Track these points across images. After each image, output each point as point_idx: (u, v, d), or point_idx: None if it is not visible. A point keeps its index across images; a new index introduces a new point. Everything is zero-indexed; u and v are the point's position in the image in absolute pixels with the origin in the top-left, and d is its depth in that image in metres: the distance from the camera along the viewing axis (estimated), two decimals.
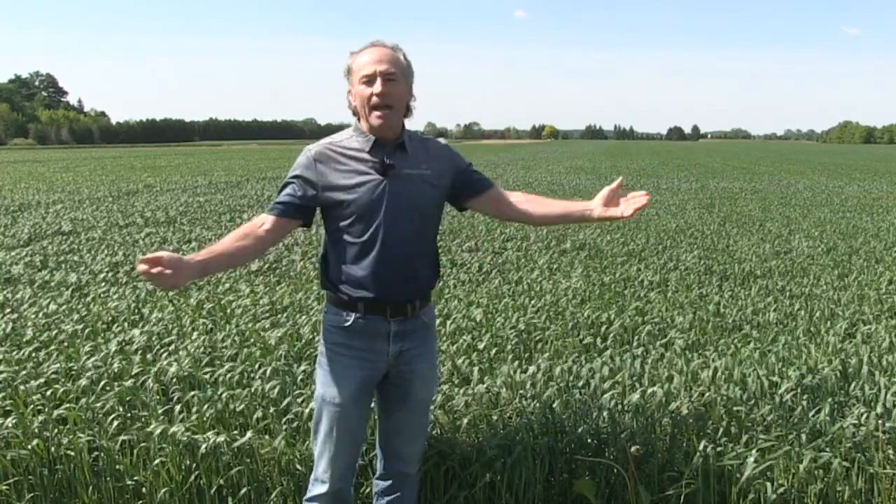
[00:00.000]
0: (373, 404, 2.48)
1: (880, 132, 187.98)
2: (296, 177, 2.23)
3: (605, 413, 2.96)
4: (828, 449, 2.72)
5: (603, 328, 4.39)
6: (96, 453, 2.88)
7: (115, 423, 2.95)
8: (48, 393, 3.22)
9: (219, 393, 3.12)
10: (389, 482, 2.51)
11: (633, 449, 2.64)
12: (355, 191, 2.19)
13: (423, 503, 2.78)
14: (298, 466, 2.77)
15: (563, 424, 2.92)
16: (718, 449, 2.74)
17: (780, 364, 3.61)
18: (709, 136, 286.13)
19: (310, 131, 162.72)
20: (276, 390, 3.16)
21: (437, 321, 4.28)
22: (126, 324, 4.39)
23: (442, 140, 2.42)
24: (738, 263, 6.86)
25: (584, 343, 4.12)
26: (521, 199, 2.38)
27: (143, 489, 2.82)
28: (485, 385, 3.21)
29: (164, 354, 3.71)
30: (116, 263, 6.70)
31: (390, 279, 2.23)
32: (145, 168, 26.50)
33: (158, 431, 2.84)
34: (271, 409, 3.03)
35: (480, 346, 3.85)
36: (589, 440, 2.87)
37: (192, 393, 3.16)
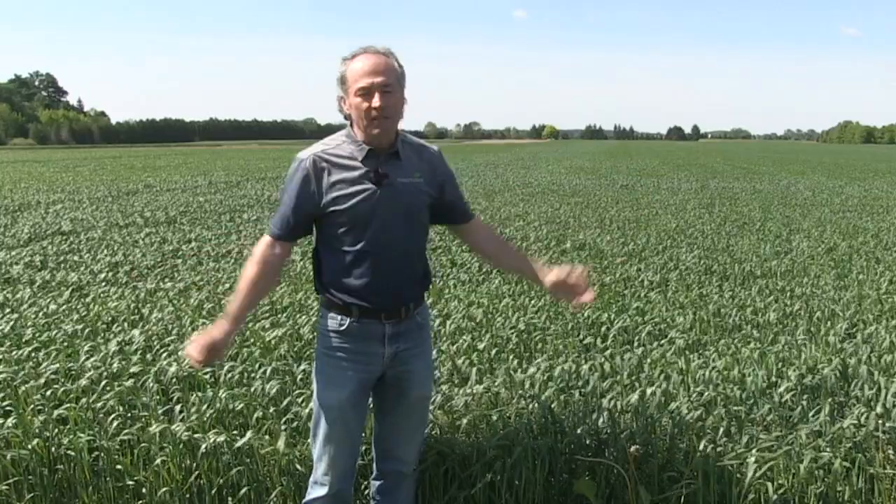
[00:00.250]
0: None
1: (880, 132, 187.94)
2: (295, 195, 2.22)
3: (605, 413, 2.96)
4: (828, 449, 2.72)
5: (603, 328, 4.39)
6: (96, 453, 2.88)
7: (115, 423, 2.94)
8: (48, 393, 3.22)
9: (219, 394, 3.12)
10: (386, 482, 2.51)
11: (632, 449, 2.64)
12: (349, 201, 2.18)
13: (422, 503, 2.78)
14: (298, 466, 2.77)
15: (563, 424, 2.92)
16: (718, 449, 2.74)
17: (780, 364, 3.61)
18: (709, 136, 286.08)
19: (310, 131, 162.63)
20: (276, 390, 3.16)
21: (438, 321, 4.29)
22: (126, 324, 4.39)
23: (435, 147, 2.40)
24: (738, 263, 6.85)
25: (584, 343, 4.12)
26: (488, 239, 2.48)
27: (143, 489, 2.82)
28: (483, 385, 3.20)
29: (164, 354, 3.71)
30: (116, 263, 6.70)
31: (384, 286, 2.24)
32: (145, 168, 26.50)
33: (158, 431, 2.84)
34: (271, 409, 3.03)
35: (480, 346, 3.85)
36: (589, 440, 2.87)
37: (193, 393, 3.16)
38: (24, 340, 4.00)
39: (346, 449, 2.36)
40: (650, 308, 4.94)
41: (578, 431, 2.87)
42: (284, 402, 3.07)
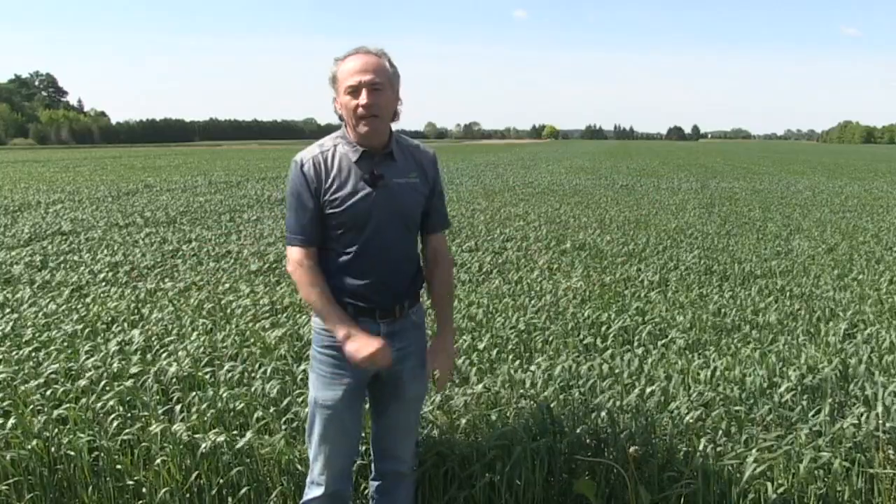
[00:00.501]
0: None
1: (880, 132, 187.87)
2: (309, 198, 2.21)
3: (604, 413, 2.96)
4: (828, 449, 2.72)
5: (603, 328, 4.39)
6: (96, 453, 2.88)
7: (115, 423, 2.95)
8: (48, 393, 3.22)
9: (220, 393, 3.12)
10: (385, 483, 2.51)
11: (632, 450, 2.64)
12: (345, 203, 2.19)
13: (422, 503, 2.78)
14: (298, 466, 2.77)
15: (563, 424, 2.92)
16: (718, 449, 2.74)
17: (780, 364, 3.61)
18: (709, 136, 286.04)
19: (310, 131, 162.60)
20: (276, 390, 3.16)
21: None
22: (126, 324, 4.39)
23: (430, 150, 2.40)
24: (738, 263, 6.86)
25: (584, 343, 4.12)
26: (434, 261, 2.41)
27: (143, 489, 2.82)
28: (483, 384, 3.21)
29: (164, 354, 3.71)
30: (116, 263, 6.70)
31: (379, 286, 2.24)
32: (145, 168, 26.51)
33: (159, 431, 2.84)
34: (271, 409, 3.03)
35: (480, 346, 3.85)
36: (588, 440, 2.87)
37: (193, 393, 3.16)
38: (24, 340, 4.00)
39: (342, 449, 2.37)
40: (650, 308, 4.94)
41: (578, 431, 2.87)
42: (284, 402, 3.07)
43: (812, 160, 38.15)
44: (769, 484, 2.57)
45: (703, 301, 5.26)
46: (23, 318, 4.52)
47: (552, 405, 3.01)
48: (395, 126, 2.29)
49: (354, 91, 2.15)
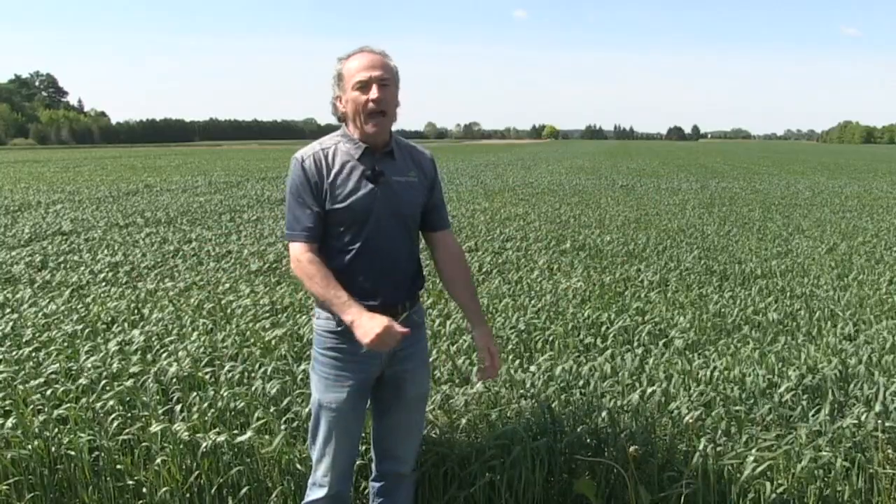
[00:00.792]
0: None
1: (880, 132, 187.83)
2: (309, 194, 2.21)
3: (604, 413, 2.96)
4: (828, 448, 2.72)
5: (603, 328, 4.39)
6: (96, 453, 2.88)
7: (116, 423, 2.95)
8: (48, 393, 3.22)
9: (220, 392, 3.12)
10: (385, 484, 2.51)
11: (631, 450, 2.64)
12: (347, 199, 2.20)
13: (422, 503, 2.78)
14: (298, 466, 2.77)
15: (563, 424, 2.92)
16: (718, 449, 2.74)
17: (780, 364, 3.61)
18: (709, 136, 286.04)
19: (310, 131, 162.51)
20: (277, 390, 3.16)
21: (437, 321, 4.29)
22: (126, 324, 4.39)
23: (427, 151, 2.42)
24: (739, 263, 6.86)
25: (584, 343, 4.12)
26: (451, 260, 2.41)
27: (144, 489, 2.82)
28: (483, 384, 3.20)
29: (164, 354, 3.71)
30: (116, 263, 6.70)
31: (380, 285, 2.25)
32: (145, 168, 26.51)
33: (159, 431, 2.84)
34: (271, 409, 3.03)
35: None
36: (588, 440, 2.87)
37: (193, 393, 3.16)
38: (24, 340, 4.00)
39: (345, 450, 2.36)
40: (650, 308, 4.94)
41: (578, 431, 2.87)
42: (284, 402, 3.07)
43: (812, 160, 38.15)
44: (769, 484, 2.57)
45: (703, 301, 5.26)
46: (23, 318, 4.52)
47: (553, 405, 3.01)
48: (392, 127, 2.30)
49: (364, 86, 2.17)
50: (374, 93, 2.16)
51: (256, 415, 2.97)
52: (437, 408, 3.02)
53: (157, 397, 3.18)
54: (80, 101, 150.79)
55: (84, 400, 3.13)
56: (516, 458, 2.70)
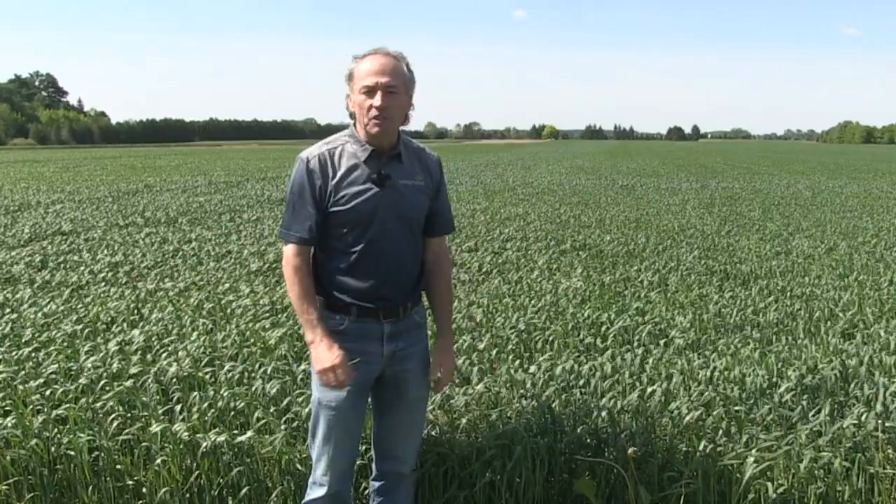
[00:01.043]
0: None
1: (880, 132, 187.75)
2: (310, 195, 2.20)
3: (604, 413, 2.96)
4: (828, 449, 2.72)
5: (603, 328, 4.39)
6: (96, 453, 2.88)
7: (115, 423, 2.94)
8: (48, 393, 3.22)
9: (221, 392, 3.12)
10: (385, 483, 2.51)
11: (630, 450, 2.64)
12: (352, 201, 2.19)
13: (422, 503, 2.78)
14: (298, 466, 2.77)
15: (563, 424, 2.92)
16: (718, 449, 2.73)
17: (780, 364, 3.61)
18: (709, 136, 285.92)
19: (310, 131, 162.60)
20: (277, 390, 3.16)
21: None
22: (125, 324, 4.39)
23: (434, 154, 2.41)
24: (739, 263, 6.86)
25: (584, 343, 4.11)
26: (434, 262, 2.40)
27: (144, 489, 2.82)
28: (483, 383, 3.20)
29: (164, 354, 3.71)
30: (116, 263, 6.70)
31: (383, 286, 2.24)
32: (145, 168, 26.50)
33: (159, 431, 2.84)
34: (271, 409, 3.03)
35: (480, 347, 3.85)
36: (589, 440, 2.87)
37: (193, 393, 3.16)
38: (24, 340, 3.99)
39: (345, 449, 2.36)
40: (650, 308, 4.94)
41: (578, 431, 2.87)
42: (284, 402, 3.07)
43: (812, 160, 38.15)
44: (769, 484, 2.57)
45: (703, 301, 5.26)
46: (23, 318, 4.52)
47: (553, 405, 3.01)
48: (402, 128, 2.29)
49: (370, 91, 2.16)
50: (377, 100, 2.14)
51: (256, 415, 2.97)
52: (438, 408, 3.02)
53: (157, 397, 3.18)
54: (80, 101, 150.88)
55: (84, 400, 3.12)
56: (517, 459, 2.70)
